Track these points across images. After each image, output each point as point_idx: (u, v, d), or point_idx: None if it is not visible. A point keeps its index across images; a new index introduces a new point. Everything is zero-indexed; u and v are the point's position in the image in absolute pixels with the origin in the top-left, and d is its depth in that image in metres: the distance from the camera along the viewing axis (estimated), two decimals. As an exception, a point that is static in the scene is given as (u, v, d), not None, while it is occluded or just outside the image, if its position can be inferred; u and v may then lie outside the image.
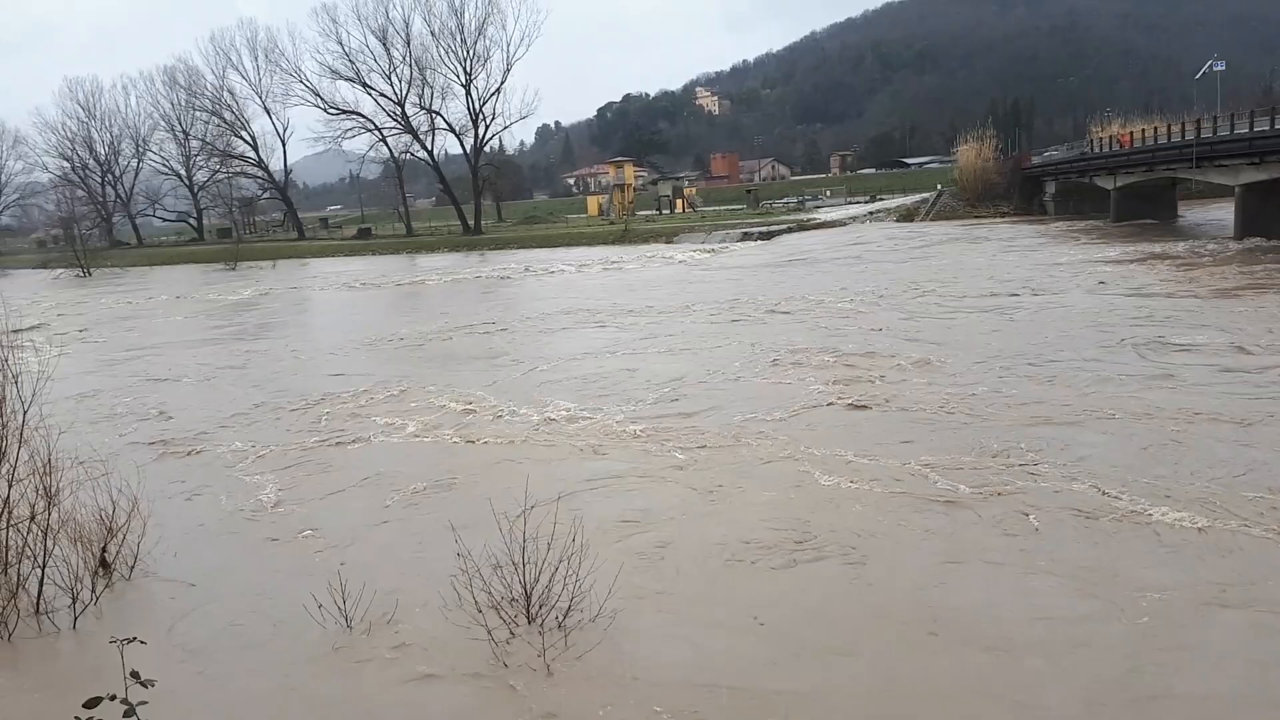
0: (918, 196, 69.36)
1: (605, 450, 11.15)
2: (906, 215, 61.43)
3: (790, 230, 55.53)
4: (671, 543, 8.09)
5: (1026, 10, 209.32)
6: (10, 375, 7.52)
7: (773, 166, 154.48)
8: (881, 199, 77.34)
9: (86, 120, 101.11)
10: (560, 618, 6.42)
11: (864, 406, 12.46)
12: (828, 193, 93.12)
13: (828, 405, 12.68)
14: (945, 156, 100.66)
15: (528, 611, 6.46)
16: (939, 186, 68.42)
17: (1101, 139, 54.21)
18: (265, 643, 6.70)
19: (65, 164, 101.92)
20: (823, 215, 65.07)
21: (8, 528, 7.38)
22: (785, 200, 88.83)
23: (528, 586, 6.45)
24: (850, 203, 79.80)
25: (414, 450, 11.84)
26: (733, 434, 11.41)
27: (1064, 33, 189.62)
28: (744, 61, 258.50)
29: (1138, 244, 33.09)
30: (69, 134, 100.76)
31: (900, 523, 8.25)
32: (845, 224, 58.53)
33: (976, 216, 57.87)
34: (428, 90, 78.02)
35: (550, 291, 32.49)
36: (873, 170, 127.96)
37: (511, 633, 6.31)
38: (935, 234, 46.70)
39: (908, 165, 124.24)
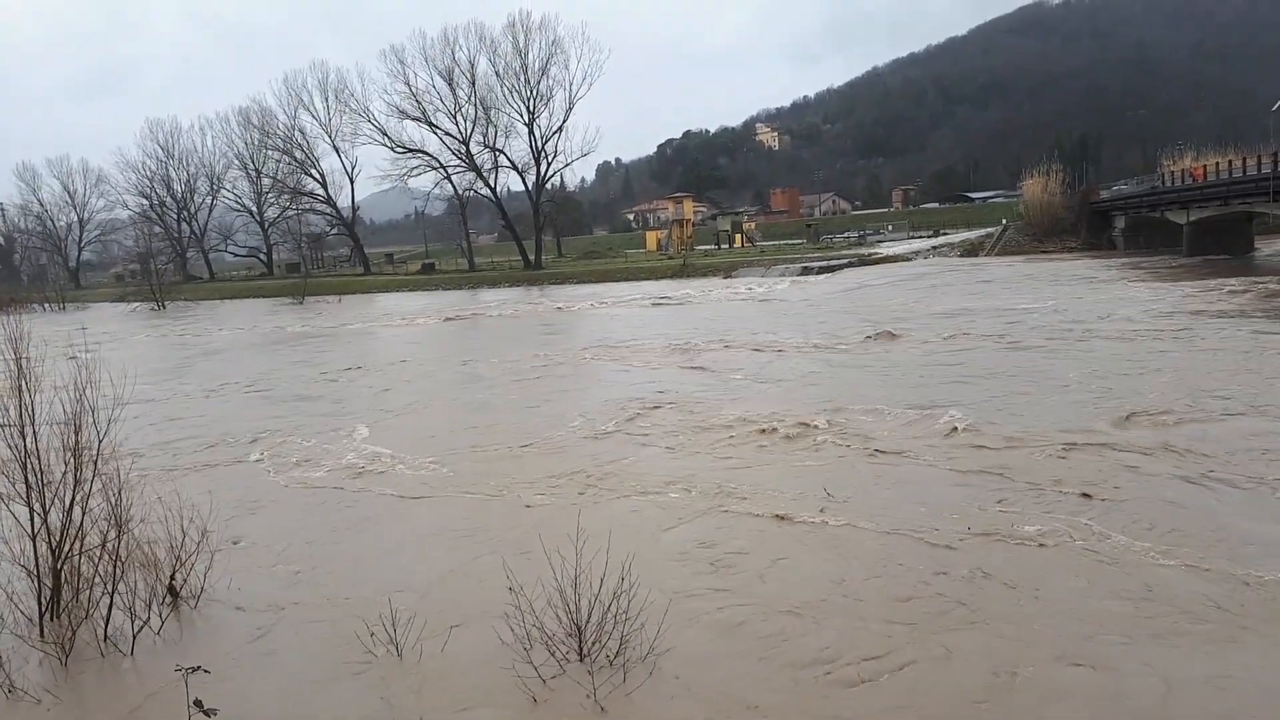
0: (982, 231, 68.49)
1: (656, 488, 11.05)
2: (971, 250, 60.66)
3: (851, 265, 55.13)
4: (728, 585, 7.97)
5: (1093, 43, 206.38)
6: (88, 404, 7.76)
7: (833, 201, 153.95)
8: (945, 233, 76.50)
9: (165, 160, 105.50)
10: (611, 656, 6.36)
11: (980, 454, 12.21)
12: (889, 227, 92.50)
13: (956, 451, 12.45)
14: (1010, 191, 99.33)
15: (580, 649, 6.41)
16: (1004, 221, 67.44)
17: (1173, 172, 53.10)
18: (321, 672, 6.75)
19: (144, 201, 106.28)
20: (885, 250, 64.51)
21: (79, 554, 7.59)
22: (846, 235, 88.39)
23: (580, 624, 6.42)
24: (913, 237, 79.15)
25: (464, 483, 11.87)
26: (790, 485, 11.24)
27: (1133, 65, 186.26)
28: (804, 97, 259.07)
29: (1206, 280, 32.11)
30: (148, 173, 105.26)
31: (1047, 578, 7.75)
32: (909, 259, 57.96)
33: (1043, 251, 56.92)
34: (491, 129, 79.73)
35: (606, 325, 32.61)
36: (936, 205, 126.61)
37: (563, 669, 6.27)
38: (1002, 269, 45.95)
39: (971, 199, 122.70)
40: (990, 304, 29.89)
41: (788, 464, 11.73)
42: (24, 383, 7.57)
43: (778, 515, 9.59)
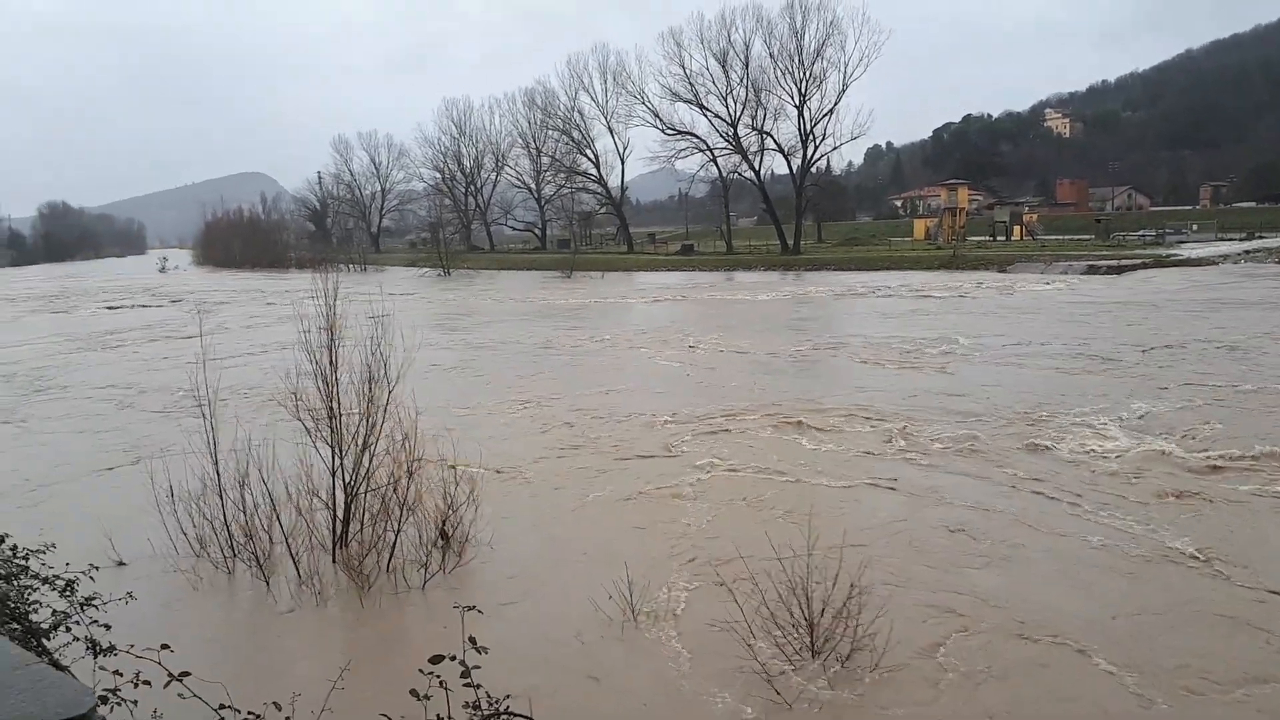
0: (1308, 235, 60.10)
1: (909, 488, 10.68)
2: (1291, 256, 53.35)
3: (1145, 265, 50.10)
4: (980, 599, 7.56)
5: None
6: (380, 358, 8.63)
7: (1129, 195, 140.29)
8: (1261, 237, 67.82)
9: (457, 136, 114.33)
10: (842, 659, 6.26)
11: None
12: (1194, 226, 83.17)
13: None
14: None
15: (812, 646, 6.35)
16: (1337, 225, 58.77)
17: None
18: (565, 627, 7.20)
19: (437, 175, 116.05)
20: (1185, 252, 58.11)
21: (366, 493, 8.47)
22: (1141, 233, 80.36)
23: (812, 619, 6.36)
24: (1221, 239, 70.71)
25: (715, 464, 12.03)
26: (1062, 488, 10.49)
27: None
28: (1103, 81, 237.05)
29: None
30: (442, 148, 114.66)
31: None
32: (1215, 263, 51.84)
33: (1384, 261, 49.11)
34: (761, 111, 79.53)
35: (860, 319, 31.77)
36: (1252, 204, 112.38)
37: (793, 665, 6.26)
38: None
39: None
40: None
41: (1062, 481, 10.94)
42: (335, 338, 8.52)
43: (1038, 529, 8.99)
